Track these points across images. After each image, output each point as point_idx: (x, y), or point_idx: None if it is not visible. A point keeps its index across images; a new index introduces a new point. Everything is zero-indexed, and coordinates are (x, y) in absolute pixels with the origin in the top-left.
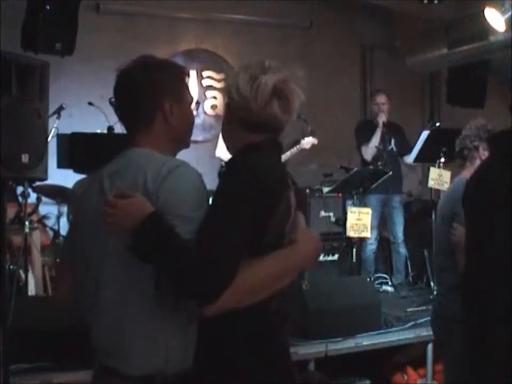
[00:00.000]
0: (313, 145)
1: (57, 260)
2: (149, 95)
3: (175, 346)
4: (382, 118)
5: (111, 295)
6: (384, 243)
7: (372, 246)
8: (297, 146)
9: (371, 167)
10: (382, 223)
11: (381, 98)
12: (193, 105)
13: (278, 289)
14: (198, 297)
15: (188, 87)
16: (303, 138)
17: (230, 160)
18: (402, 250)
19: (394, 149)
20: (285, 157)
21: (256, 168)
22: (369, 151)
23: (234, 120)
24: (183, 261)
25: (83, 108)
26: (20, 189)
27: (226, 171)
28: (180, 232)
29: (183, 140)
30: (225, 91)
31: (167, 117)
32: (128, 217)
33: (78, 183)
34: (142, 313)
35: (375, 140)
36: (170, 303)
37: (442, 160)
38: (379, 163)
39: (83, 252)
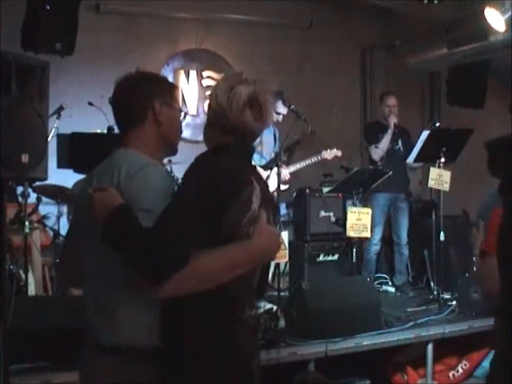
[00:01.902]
0: (313, 145)
1: (57, 261)
2: (140, 96)
3: (139, 324)
4: (393, 120)
5: (93, 278)
6: (386, 243)
7: (376, 247)
8: (318, 156)
9: (371, 167)
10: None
11: (392, 101)
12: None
13: (231, 277)
14: (150, 276)
15: (177, 97)
16: (325, 150)
17: (193, 160)
18: (405, 251)
19: (402, 149)
20: (303, 165)
21: (211, 167)
22: (378, 152)
23: (213, 126)
24: (139, 244)
25: (83, 108)
26: (20, 189)
27: (186, 170)
28: (142, 223)
29: (171, 144)
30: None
31: (157, 116)
32: (101, 208)
33: (78, 183)
34: (113, 294)
35: (386, 141)
36: (136, 285)
37: (442, 160)
38: (379, 163)
39: (80, 240)
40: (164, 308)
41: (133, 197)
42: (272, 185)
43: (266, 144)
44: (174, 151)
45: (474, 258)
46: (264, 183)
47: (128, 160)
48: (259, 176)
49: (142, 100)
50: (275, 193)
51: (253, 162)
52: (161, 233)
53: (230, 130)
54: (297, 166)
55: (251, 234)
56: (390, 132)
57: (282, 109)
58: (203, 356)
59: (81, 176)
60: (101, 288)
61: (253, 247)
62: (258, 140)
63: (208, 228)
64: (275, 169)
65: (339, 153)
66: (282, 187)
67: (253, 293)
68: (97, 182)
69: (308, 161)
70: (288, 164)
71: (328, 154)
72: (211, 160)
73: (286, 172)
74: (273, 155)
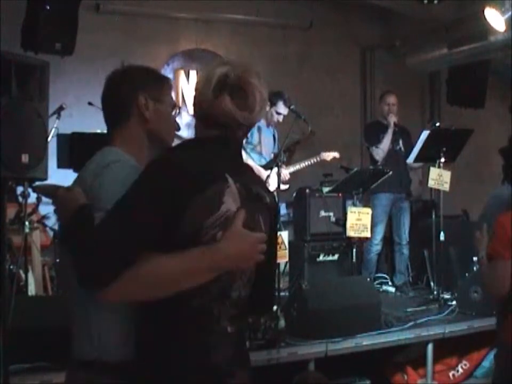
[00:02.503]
0: (313, 145)
1: (57, 260)
2: (123, 91)
3: (111, 335)
4: (393, 119)
5: (70, 286)
6: (386, 243)
7: (377, 247)
8: (318, 157)
9: (371, 167)
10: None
11: (392, 99)
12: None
13: (191, 285)
14: (88, 281)
15: (169, 92)
16: (324, 151)
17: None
18: (406, 251)
19: (402, 149)
20: (302, 165)
21: (169, 161)
22: (380, 152)
23: (196, 119)
24: (80, 247)
25: (83, 108)
26: (20, 189)
27: (145, 165)
28: None
29: (162, 140)
30: None
31: (143, 111)
32: (64, 210)
33: (74, 184)
34: (82, 304)
35: (387, 141)
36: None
37: (442, 160)
38: (379, 163)
39: None
40: (136, 319)
41: (96, 196)
42: (272, 185)
43: (266, 145)
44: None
45: (474, 259)
46: (253, 182)
47: (98, 158)
48: (248, 175)
49: (124, 96)
50: (275, 193)
51: (250, 161)
52: (102, 234)
53: (211, 123)
54: (297, 166)
55: (219, 239)
56: (390, 131)
57: (283, 109)
58: (170, 370)
59: None
60: (75, 298)
61: (216, 253)
62: (257, 139)
63: (163, 228)
64: (275, 169)
65: (337, 155)
66: (282, 187)
67: (234, 305)
68: (78, 182)
69: (307, 162)
70: (288, 164)
71: (327, 156)
72: (173, 154)
73: (285, 172)
74: (272, 155)
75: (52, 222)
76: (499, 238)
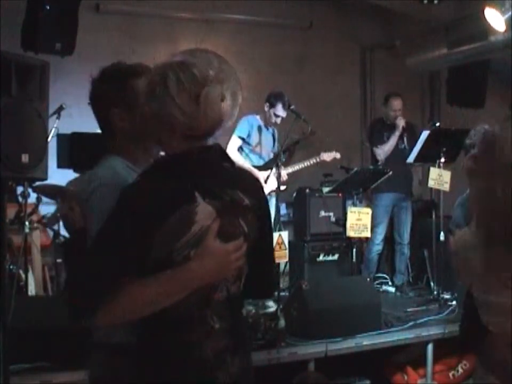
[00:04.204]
0: (313, 145)
1: (57, 260)
2: (99, 108)
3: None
4: (401, 122)
5: None
6: (386, 242)
7: (378, 247)
8: (317, 158)
9: (371, 167)
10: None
11: (398, 104)
12: None
13: (170, 303)
14: (72, 312)
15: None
16: (324, 151)
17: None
18: (407, 251)
19: (407, 147)
20: (301, 166)
21: (136, 192)
22: (384, 152)
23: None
24: (68, 277)
25: (83, 108)
26: (20, 189)
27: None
28: None
29: (157, 139)
30: None
31: (117, 124)
32: (67, 227)
33: (69, 184)
34: None
35: (392, 143)
36: None
37: (442, 160)
38: (379, 163)
39: None
40: None
41: (88, 220)
42: (271, 186)
43: (265, 145)
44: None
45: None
46: (229, 187)
47: (93, 175)
48: (225, 180)
49: (100, 113)
50: (264, 191)
51: (247, 163)
52: (81, 268)
53: (176, 131)
54: (296, 167)
55: (192, 257)
56: (397, 133)
57: (281, 112)
58: (156, 359)
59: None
60: None
61: (188, 273)
62: (256, 140)
63: (137, 256)
64: (274, 169)
65: (338, 155)
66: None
67: (223, 303)
68: (79, 192)
69: (306, 163)
70: (287, 164)
71: (327, 156)
72: (140, 183)
73: (283, 173)
74: (272, 155)
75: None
76: None
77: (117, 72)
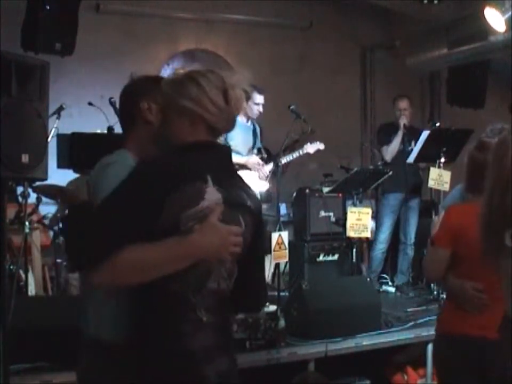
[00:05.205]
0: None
1: (57, 260)
2: (127, 99)
3: (104, 317)
4: (403, 121)
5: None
6: (390, 242)
7: (381, 245)
8: (301, 150)
9: (371, 167)
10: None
11: (402, 104)
12: None
13: (170, 271)
14: (78, 265)
15: None
16: (308, 142)
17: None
18: (410, 252)
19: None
20: (286, 160)
21: (155, 163)
22: (389, 152)
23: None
24: (71, 236)
25: (83, 108)
26: (20, 189)
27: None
28: None
29: (168, 140)
30: None
31: (145, 115)
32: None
33: (69, 184)
34: (85, 286)
35: (396, 143)
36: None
37: (442, 160)
38: (379, 163)
39: None
40: (125, 303)
41: (96, 191)
42: (253, 182)
43: (245, 143)
44: None
45: None
46: (236, 187)
47: (107, 158)
48: (233, 180)
49: (128, 103)
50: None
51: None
52: (89, 226)
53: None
54: (281, 161)
55: (193, 230)
56: (400, 133)
57: (259, 98)
58: (148, 353)
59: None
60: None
61: (190, 242)
62: (236, 139)
63: (146, 220)
64: (267, 167)
65: (322, 146)
66: (263, 186)
67: (212, 295)
68: (89, 177)
69: (290, 157)
70: (268, 161)
71: (311, 147)
72: (159, 157)
73: (265, 170)
74: (255, 151)
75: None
76: (442, 226)
77: (147, 76)
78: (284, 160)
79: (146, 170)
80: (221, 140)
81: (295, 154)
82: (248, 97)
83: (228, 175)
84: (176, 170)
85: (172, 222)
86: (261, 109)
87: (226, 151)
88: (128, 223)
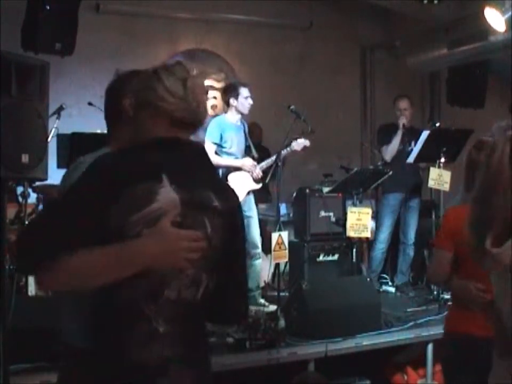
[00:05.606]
0: (312, 146)
1: None
2: (110, 96)
3: (74, 323)
4: (402, 121)
5: None
6: (391, 242)
7: (381, 245)
8: (288, 148)
9: (371, 167)
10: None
11: (402, 104)
12: None
13: (114, 279)
14: (18, 270)
15: None
16: (295, 139)
17: None
18: (411, 252)
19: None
20: (273, 159)
21: (103, 162)
22: (389, 152)
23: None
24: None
25: (83, 108)
26: (20, 189)
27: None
28: None
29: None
30: None
31: (128, 112)
32: None
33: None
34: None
35: (396, 142)
36: None
37: (442, 160)
38: (379, 163)
39: None
40: (86, 308)
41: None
42: (250, 185)
43: (239, 144)
44: None
45: None
46: (202, 186)
47: (78, 159)
48: (198, 177)
49: (112, 99)
50: (234, 195)
51: (237, 161)
52: (34, 225)
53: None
54: (269, 161)
55: (141, 234)
56: (399, 133)
57: (247, 92)
58: (103, 360)
59: None
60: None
61: (133, 248)
62: (230, 141)
63: (92, 224)
64: (260, 166)
65: (307, 142)
66: (255, 186)
67: (172, 305)
68: None
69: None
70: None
71: (298, 145)
72: (109, 155)
73: (259, 171)
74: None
75: None
76: (442, 229)
77: (132, 71)
78: (270, 161)
79: (94, 171)
80: (216, 143)
81: (283, 153)
82: (237, 94)
83: (194, 174)
84: (126, 170)
85: (118, 226)
86: (250, 101)
87: (196, 148)
88: (73, 227)
